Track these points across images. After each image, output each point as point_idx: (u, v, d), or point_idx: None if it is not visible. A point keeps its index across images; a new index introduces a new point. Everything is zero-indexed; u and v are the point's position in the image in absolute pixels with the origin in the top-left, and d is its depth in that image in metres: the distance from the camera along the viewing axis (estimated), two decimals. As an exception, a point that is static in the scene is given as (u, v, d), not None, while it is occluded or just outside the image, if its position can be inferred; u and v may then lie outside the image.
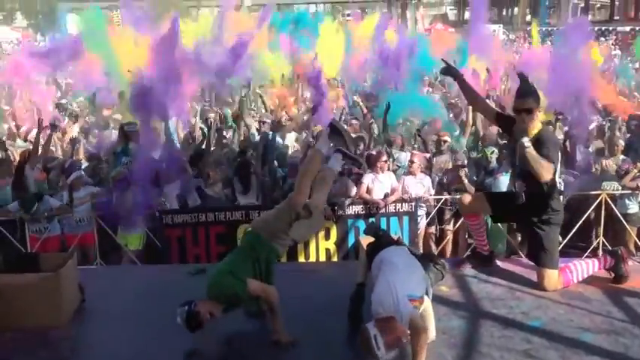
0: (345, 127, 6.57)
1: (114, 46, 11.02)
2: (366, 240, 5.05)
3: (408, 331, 3.83)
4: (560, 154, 4.95)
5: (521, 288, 5.07)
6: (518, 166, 4.94)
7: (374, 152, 8.53)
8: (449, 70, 5.33)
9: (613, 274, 5.12)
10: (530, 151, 4.64)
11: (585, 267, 5.11)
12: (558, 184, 5.35)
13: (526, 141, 4.66)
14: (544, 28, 18.25)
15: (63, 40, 12.27)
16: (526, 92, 4.91)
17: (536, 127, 4.89)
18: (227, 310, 4.26)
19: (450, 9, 62.08)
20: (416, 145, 8.86)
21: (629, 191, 8.12)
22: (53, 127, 9.16)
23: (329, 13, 39.17)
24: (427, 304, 4.24)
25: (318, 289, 5.14)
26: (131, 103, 8.26)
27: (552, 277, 4.97)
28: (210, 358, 4.38)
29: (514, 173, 5.30)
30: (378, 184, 8.10)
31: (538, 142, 4.74)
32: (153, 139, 8.23)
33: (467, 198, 5.57)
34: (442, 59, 5.45)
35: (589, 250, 7.72)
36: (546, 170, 4.66)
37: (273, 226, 4.45)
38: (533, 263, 5.15)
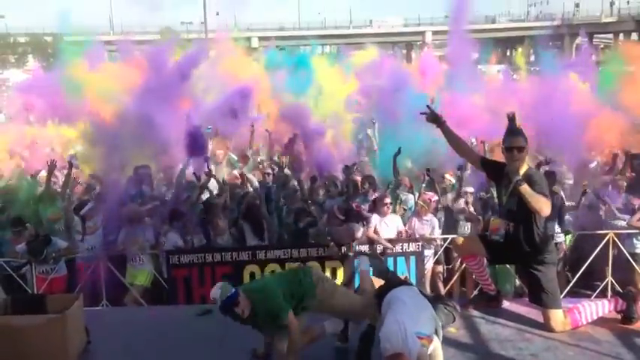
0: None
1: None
2: (376, 281, 5.06)
3: None
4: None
5: (530, 329, 5.02)
6: (504, 207, 5.01)
7: (377, 194, 8.57)
8: (432, 117, 5.37)
9: (622, 316, 5.07)
10: (526, 187, 4.69)
11: (595, 308, 5.07)
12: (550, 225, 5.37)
13: (520, 179, 4.72)
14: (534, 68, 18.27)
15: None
16: (517, 131, 4.99)
17: (523, 167, 4.96)
18: (254, 324, 4.53)
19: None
20: (424, 185, 8.85)
21: (637, 230, 8.07)
22: (71, 165, 9.17)
23: (333, 52, 39.59)
24: (437, 345, 4.20)
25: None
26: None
27: (558, 317, 4.93)
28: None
29: (500, 214, 5.31)
30: (385, 226, 8.12)
31: (529, 181, 4.79)
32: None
33: (460, 239, 5.59)
34: (427, 106, 5.50)
35: (597, 291, 7.64)
36: (545, 205, 4.70)
37: (332, 299, 4.68)
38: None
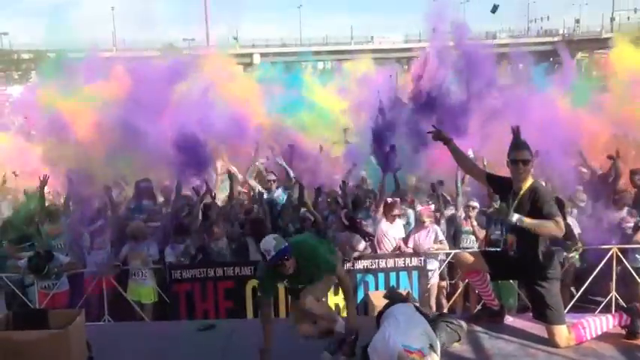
0: None
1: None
2: (379, 298, 5.15)
3: None
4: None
5: (534, 344, 4.99)
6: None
7: (389, 200, 8.53)
8: (439, 135, 5.40)
9: (627, 331, 5.04)
10: (529, 222, 4.68)
11: (599, 323, 5.04)
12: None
13: (517, 218, 4.72)
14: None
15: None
16: (522, 144, 4.98)
17: (528, 181, 4.94)
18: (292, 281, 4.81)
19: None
20: (429, 201, 8.86)
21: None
22: (71, 180, 9.20)
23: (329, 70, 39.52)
24: None
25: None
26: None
27: (562, 333, 4.90)
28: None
29: (506, 229, 5.31)
30: (390, 233, 8.24)
31: (534, 197, 4.79)
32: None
33: (463, 255, 5.58)
34: (432, 125, 5.53)
35: (602, 306, 7.61)
36: (554, 229, 4.66)
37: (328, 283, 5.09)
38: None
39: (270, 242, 4.56)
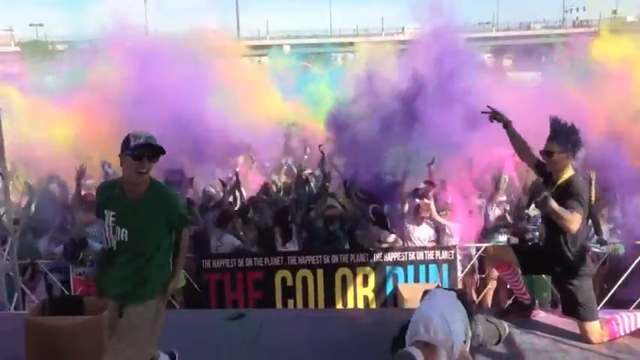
0: None
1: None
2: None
3: None
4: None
5: (567, 340, 4.92)
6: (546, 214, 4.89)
7: (420, 201, 8.27)
8: (495, 116, 5.25)
9: (661, 327, 4.94)
10: (553, 205, 4.53)
11: (633, 319, 4.95)
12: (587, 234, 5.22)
13: (545, 196, 4.51)
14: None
15: None
16: (552, 135, 4.87)
17: (566, 173, 4.84)
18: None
19: (488, 56, 62.21)
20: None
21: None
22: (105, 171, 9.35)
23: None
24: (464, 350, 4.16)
25: (356, 337, 5.09)
26: None
27: (595, 329, 4.82)
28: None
29: (543, 220, 5.22)
30: (418, 234, 8.18)
31: (565, 190, 4.70)
32: None
33: (493, 249, 5.52)
34: (488, 105, 5.31)
35: (637, 302, 7.46)
36: (571, 222, 4.53)
37: None
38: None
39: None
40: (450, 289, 4.89)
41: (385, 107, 9.44)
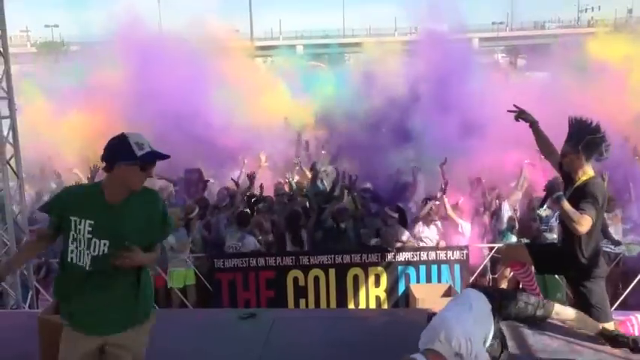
0: None
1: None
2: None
3: None
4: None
5: (580, 341, 4.86)
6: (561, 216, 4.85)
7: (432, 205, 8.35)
8: (521, 116, 5.19)
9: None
10: (564, 205, 4.51)
11: (648, 320, 4.90)
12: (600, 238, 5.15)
13: (558, 195, 4.53)
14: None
15: None
16: (568, 136, 4.82)
17: (585, 174, 4.78)
18: None
19: (503, 57, 61.89)
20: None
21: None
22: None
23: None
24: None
25: (368, 337, 5.08)
26: None
27: (608, 331, 4.77)
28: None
29: (559, 221, 5.17)
30: (427, 234, 8.19)
31: (580, 192, 4.65)
32: None
33: (506, 247, 5.47)
34: (514, 104, 5.23)
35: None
36: (579, 224, 4.47)
37: None
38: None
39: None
40: (482, 290, 4.63)
41: (387, 107, 9.48)
